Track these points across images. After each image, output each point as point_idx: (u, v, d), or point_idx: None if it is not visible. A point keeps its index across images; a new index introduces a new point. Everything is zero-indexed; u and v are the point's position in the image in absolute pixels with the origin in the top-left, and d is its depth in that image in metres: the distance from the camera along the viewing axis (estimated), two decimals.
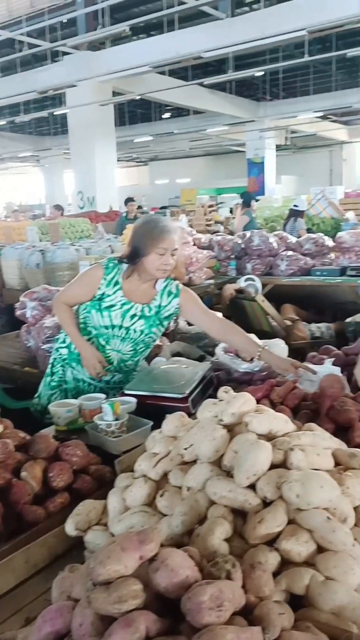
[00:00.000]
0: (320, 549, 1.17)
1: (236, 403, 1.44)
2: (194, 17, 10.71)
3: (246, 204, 8.67)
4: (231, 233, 7.90)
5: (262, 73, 13.11)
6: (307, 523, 1.17)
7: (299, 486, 1.18)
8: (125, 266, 2.38)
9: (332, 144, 23.20)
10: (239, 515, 1.28)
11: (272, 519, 1.18)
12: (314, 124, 18.73)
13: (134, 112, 18.43)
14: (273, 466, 1.31)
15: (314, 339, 4.23)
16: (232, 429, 1.43)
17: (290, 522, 1.21)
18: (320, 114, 16.32)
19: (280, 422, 1.40)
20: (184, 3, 8.20)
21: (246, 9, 10.89)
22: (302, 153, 24.17)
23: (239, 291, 4.31)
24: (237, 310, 4.29)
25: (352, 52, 9.25)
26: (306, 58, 9.92)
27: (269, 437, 1.39)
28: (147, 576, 1.01)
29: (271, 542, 1.19)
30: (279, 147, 20.35)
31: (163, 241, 2.25)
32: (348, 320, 3.42)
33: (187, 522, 1.25)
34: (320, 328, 4.38)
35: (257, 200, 9.63)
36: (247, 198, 8.88)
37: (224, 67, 12.12)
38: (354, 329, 3.27)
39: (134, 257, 2.32)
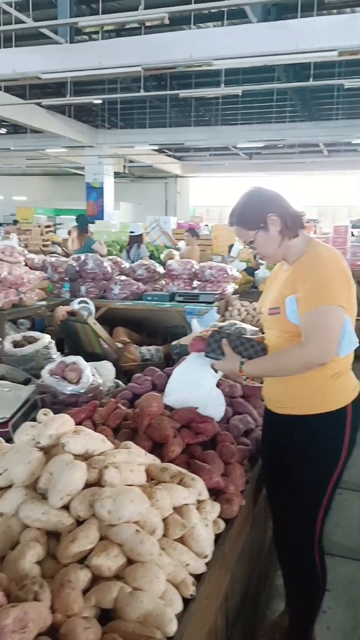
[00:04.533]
0: (130, 562, 1.23)
1: (54, 425, 1.45)
2: (32, 37, 10.59)
3: (82, 229, 8.17)
4: (67, 255, 7.79)
5: (101, 101, 13.38)
6: (117, 537, 1.22)
7: (110, 502, 1.23)
8: None
9: (168, 176, 24.44)
10: (54, 537, 1.29)
11: (85, 537, 1.21)
12: (151, 156, 19.57)
13: None
14: (89, 485, 1.34)
15: (144, 360, 4.37)
16: (50, 451, 1.44)
17: (103, 538, 1.25)
18: (156, 147, 17.11)
19: (96, 441, 1.44)
20: (22, 22, 8.08)
21: (85, 37, 11.07)
22: (140, 182, 25.06)
23: (72, 313, 4.29)
24: (69, 333, 4.27)
25: (184, 93, 9.90)
26: (142, 93, 10.38)
27: (86, 457, 1.42)
28: None
29: (84, 559, 1.22)
30: (117, 175, 20.82)
31: None
32: (174, 343, 3.61)
33: None
34: (150, 350, 4.55)
35: (92, 223, 9.30)
36: (83, 222, 8.35)
37: (63, 90, 12.14)
38: (178, 351, 3.46)
39: None
